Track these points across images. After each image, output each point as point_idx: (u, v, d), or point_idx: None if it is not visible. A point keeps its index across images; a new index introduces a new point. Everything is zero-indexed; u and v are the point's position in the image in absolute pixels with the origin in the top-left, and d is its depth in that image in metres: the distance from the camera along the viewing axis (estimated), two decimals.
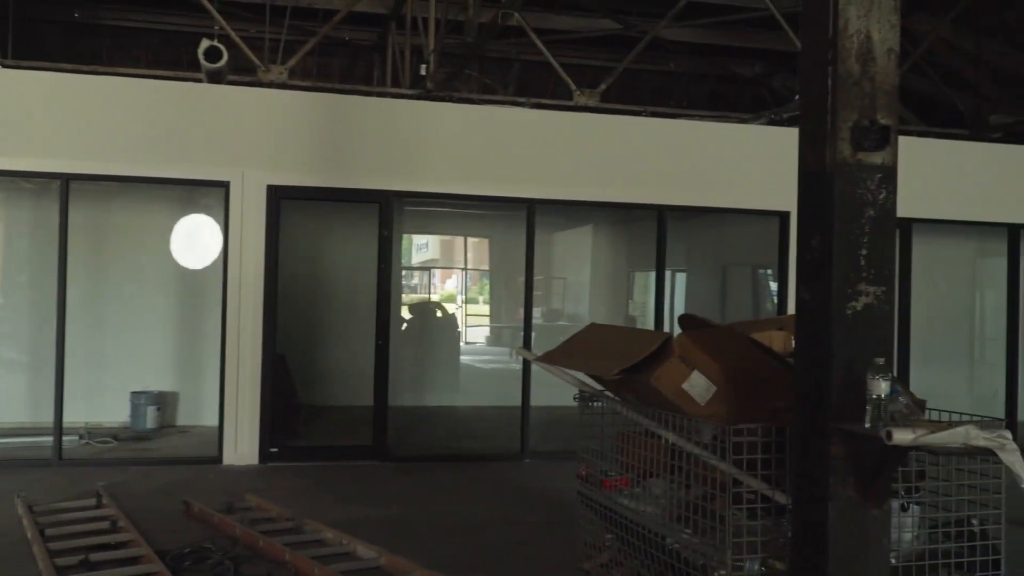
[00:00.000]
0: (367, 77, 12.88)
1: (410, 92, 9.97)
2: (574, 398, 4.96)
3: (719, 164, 9.23)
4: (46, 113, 7.94)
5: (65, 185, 8.01)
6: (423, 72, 10.02)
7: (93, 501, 6.48)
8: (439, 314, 11.88)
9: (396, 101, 9.18)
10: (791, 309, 8.73)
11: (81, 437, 8.69)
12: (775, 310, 9.50)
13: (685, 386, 4.13)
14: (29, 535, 5.61)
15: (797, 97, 9.94)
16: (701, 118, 10.30)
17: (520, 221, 8.99)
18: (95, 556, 5.20)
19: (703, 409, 4.13)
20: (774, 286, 9.83)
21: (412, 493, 7.35)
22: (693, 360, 4.17)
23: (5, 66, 8.79)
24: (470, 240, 13.15)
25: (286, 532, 5.82)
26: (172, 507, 6.46)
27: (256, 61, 9.16)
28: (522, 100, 10.27)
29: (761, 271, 10.76)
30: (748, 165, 9.17)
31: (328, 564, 5.08)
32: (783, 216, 9.27)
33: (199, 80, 8.63)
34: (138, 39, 12.24)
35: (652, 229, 9.31)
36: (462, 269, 13.37)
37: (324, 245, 10.31)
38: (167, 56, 12.06)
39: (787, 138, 8.91)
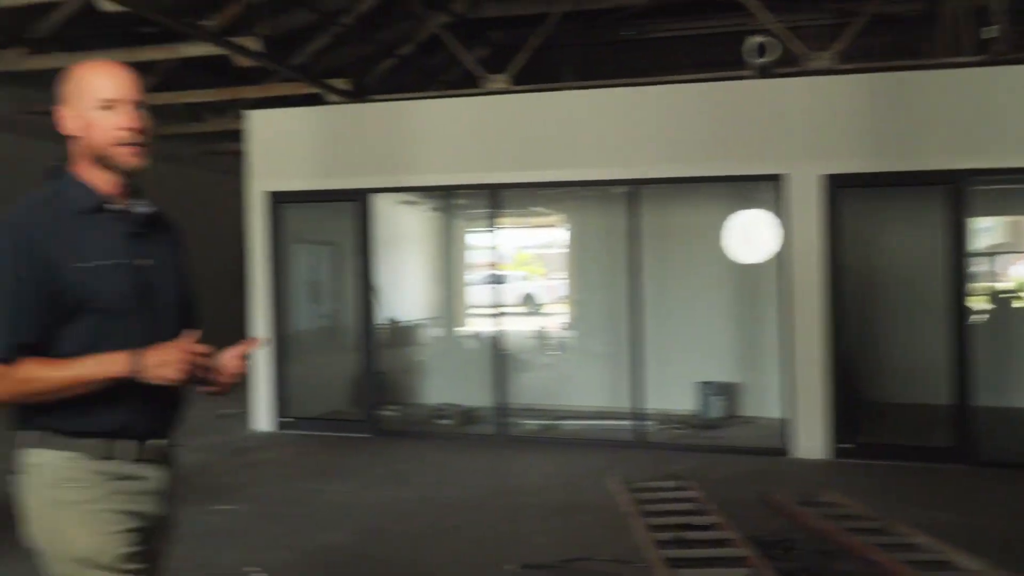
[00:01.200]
0: (913, 51, 11.96)
1: (972, 60, 9.01)
2: None
3: None
4: (614, 126, 8.72)
5: (635, 190, 8.71)
6: (988, 35, 8.99)
7: (673, 483, 6.93)
8: (1016, 304, 10.55)
9: (957, 71, 8.36)
10: None
11: (659, 422, 9.31)
12: None
13: None
14: (626, 509, 6.15)
15: None
16: None
17: None
18: (687, 534, 5.52)
19: None
20: None
21: (1009, 503, 6.62)
22: None
23: (572, 88, 9.87)
24: None
25: (871, 532, 5.59)
26: (743, 495, 6.59)
27: (801, 50, 9.03)
28: None
29: None
30: None
31: (925, 572, 4.76)
32: None
33: (743, 78, 8.77)
34: (680, 46, 12.86)
35: None
36: None
37: (884, 233, 9.75)
38: (708, 58, 12.50)
39: None
